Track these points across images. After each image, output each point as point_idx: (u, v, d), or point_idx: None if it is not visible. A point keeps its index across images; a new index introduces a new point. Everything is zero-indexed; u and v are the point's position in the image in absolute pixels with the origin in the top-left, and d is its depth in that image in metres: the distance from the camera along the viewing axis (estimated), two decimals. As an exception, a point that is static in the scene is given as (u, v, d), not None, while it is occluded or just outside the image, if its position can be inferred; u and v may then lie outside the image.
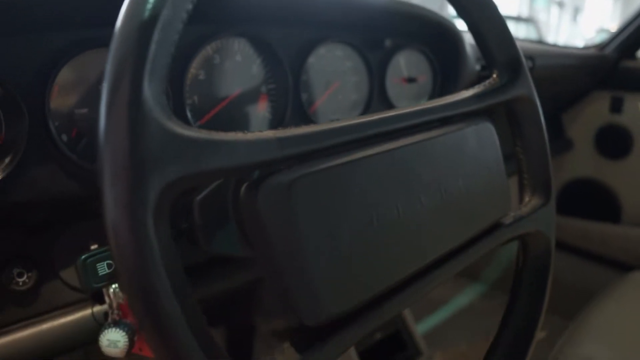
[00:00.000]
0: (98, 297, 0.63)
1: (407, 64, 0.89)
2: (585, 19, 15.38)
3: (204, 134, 0.31)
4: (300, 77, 0.74)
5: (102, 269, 0.47)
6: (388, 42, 0.86)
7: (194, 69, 0.64)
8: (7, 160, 0.50)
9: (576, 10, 15.29)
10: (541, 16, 13.90)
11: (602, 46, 1.59)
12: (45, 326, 0.60)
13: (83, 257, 0.47)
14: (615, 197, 1.68)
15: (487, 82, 0.56)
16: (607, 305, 1.18)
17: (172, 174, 0.28)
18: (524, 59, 0.57)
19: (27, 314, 0.60)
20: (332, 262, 0.35)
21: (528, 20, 10.57)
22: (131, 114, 0.28)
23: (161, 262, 0.28)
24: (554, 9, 15.26)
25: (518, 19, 10.83)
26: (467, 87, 0.53)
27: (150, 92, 0.29)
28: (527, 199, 0.59)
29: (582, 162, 1.73)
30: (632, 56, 1.58)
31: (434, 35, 0.91)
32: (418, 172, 0.43)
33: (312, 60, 0.77)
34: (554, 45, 1.46)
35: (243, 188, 0.36)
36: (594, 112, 1.66)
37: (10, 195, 0.51)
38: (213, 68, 0.66)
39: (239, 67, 0.69)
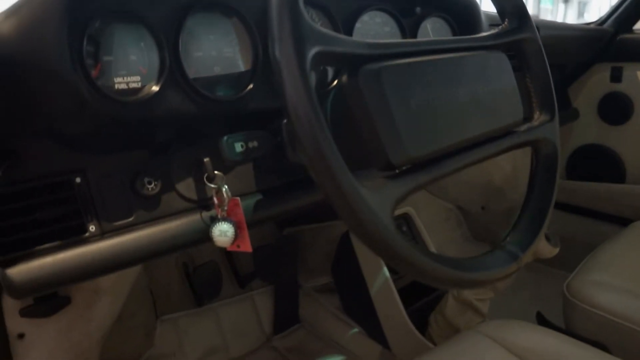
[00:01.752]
0: (205, 206, 0.81)
1: (432, 29, 1.07)
2: (592, 14, 15.46)
3: (329, 31, 0.50)
4: (352, 36, 0.93)
5: (238, 147, 0.66)
6: (418, 10, 1.04)
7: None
8: (152, 84, 0.69)
9: (582, 5, 15.37)
10: (549, 16, 14.06)
11: (601, 22, 1.77)
12: (165, 226, 0.78)
13: (225, 137, 0.65)
14: (619, 159, 1.85)
15: (500, 27, 0.75)
16: (615, 246, 1.34)
17: (316, 49, 0.47)
18: (527, 10, 0.76)
19: (152, 216, 0.78)
20: (409, 122, 0.54)
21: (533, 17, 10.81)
22: (292, 17, 0.46)
23: (316, 100, 0.46)
24: (560, 6, 15.38)
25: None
26: None
27: (302, 5, 0.47)
28: (535, 116, 0.78)
29: (588, 130, 1.90)
30: (629, 29, 1.76)
31: (455, 5, 1.09)
32: (456, 76, 0.62)
33: (358, 25, 0.95)
34: (557, 22, 1.63)
35: (345, 76, 0.54)
36: (596, 83, 1.84)
37: (154, 110, 0.70)
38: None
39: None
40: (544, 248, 1.04)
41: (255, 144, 0.66)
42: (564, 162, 1.99)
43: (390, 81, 0.53)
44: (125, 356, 1.36)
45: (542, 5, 14.35)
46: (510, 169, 2.00)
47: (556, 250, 1.05)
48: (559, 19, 14.48)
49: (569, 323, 1.18)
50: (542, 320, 1.43)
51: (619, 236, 1.40)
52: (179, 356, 1.49)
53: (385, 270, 1.34)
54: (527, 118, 0.76)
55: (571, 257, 1.79)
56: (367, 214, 0.47)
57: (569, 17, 14.94)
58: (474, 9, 1.10)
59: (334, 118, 0.62)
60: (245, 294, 1.66)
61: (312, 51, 0.46)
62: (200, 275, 1.55)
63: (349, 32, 0.93)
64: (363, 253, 1.39)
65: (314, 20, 0.88)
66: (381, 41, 0.56)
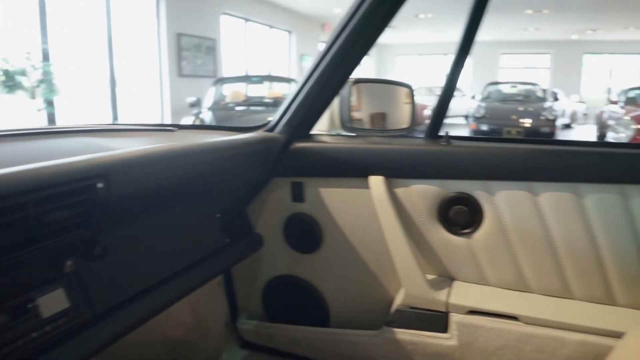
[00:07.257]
0: None
1: None
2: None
3: None
4: None
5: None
6: None
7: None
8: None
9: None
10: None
11: (271, 127, 1.34)
12: None
13: None
14: (319, 296, 1.44)
15: None
16: None
17: None
18: None
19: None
20: None
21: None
22: None
23: None
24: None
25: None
26: None
27: None
28: None
29: (278, 259, 1.47)
30: (306, 135, 1.37)
31: None
32: None
33: None
34: (204, 142, 1.13)
35: None
36: (276, 202, 1.40)
37: None
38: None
39: None
40: None
41: None
42: (259, 299, 1.52)
43: None
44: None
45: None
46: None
47: None
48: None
49: None
50: None
51: None
52: None
53: None
54: None
55: None
56: None
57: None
58: None
59: None
60: None
61: None
62: None
63: None
64: None
65: None
66: None
